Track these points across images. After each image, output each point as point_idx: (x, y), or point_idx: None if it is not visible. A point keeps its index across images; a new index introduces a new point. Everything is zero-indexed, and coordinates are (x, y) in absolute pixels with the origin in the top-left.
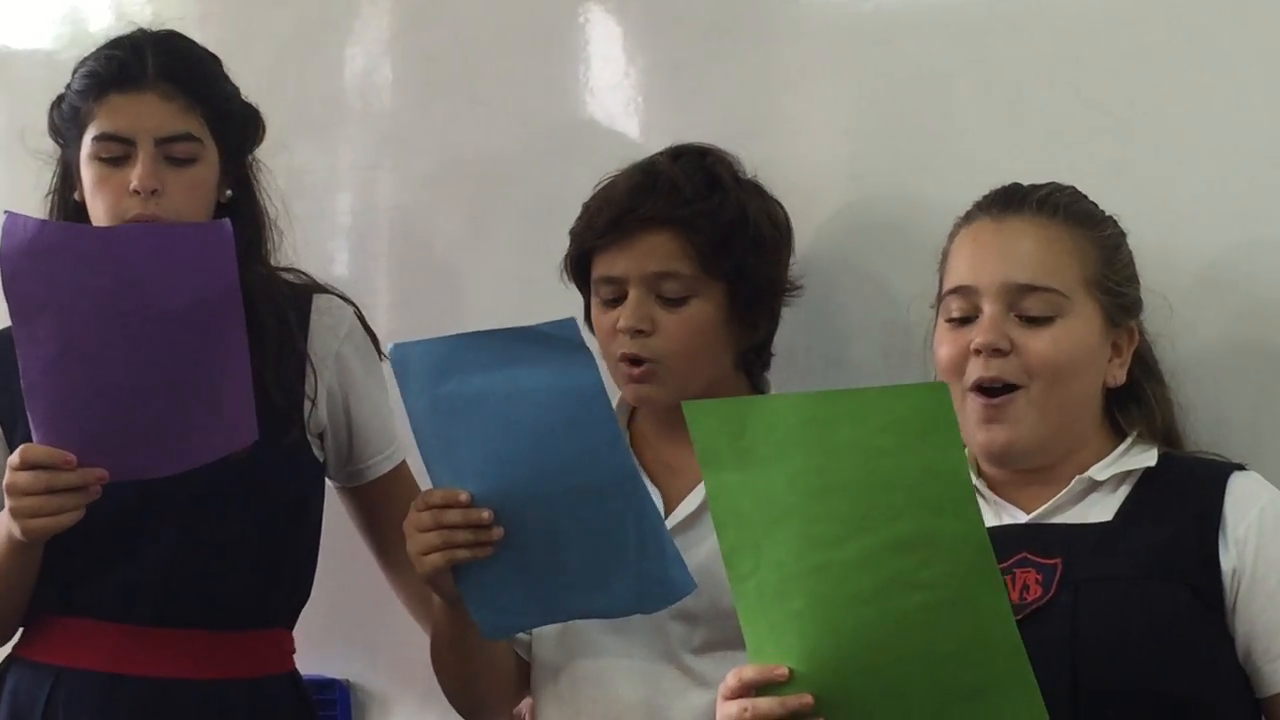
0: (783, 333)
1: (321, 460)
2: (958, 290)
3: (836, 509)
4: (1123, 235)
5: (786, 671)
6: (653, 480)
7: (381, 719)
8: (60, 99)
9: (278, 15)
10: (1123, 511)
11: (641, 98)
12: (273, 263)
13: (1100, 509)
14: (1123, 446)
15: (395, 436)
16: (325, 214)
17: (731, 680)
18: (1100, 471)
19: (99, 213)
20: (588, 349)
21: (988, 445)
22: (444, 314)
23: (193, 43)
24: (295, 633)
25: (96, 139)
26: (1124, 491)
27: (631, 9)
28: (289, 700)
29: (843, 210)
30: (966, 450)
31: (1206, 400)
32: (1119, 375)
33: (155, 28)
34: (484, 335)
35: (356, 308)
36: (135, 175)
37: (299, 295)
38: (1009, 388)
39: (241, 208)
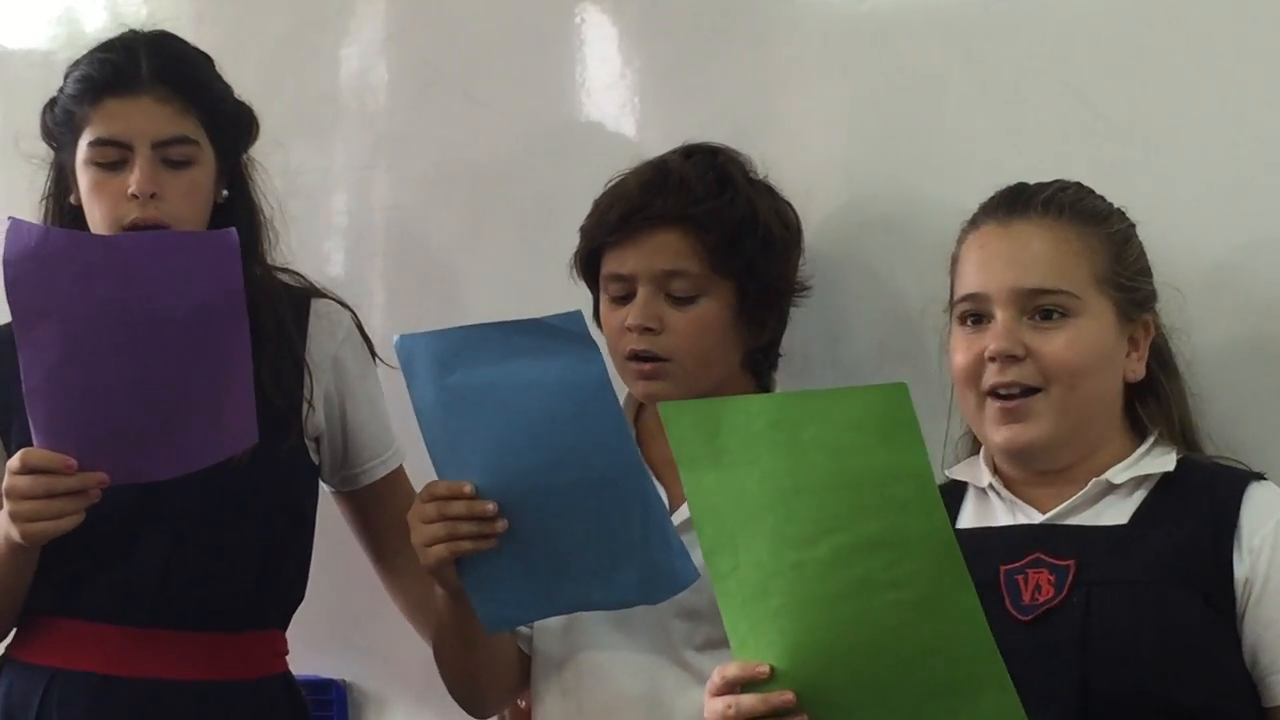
0: None
1: (317, 464)
2: (969, 298)
3: (807, 508)
4: (1132, 228)
5: (768, 669)
6: (658, 477)
7: (378, 719)
8: (53, 102)
9: (273, 15)
10: (1138, 515)
11: (638, 98)
12: (269, 262)
13: (1116, 511)
14: (1142, 449)
15: (392, 441)
16: (321, 214)
17: (716, 678)
18: (1118, 475)
19: (97, 217)
20: (594, 342)
21: (1008, 445)
22: (440, 314)
23: (185, 43)
24: (291, 634)
25: (93, 144)
26: (1140, 495)
27: (628, 9)
28: (282, 701)
29: (840, 210)
30: (983, 450)
31: (1220, 395)
32: (1138, 370)
33: (149, 28)
34: (490, 327)
35: (354, 313)
36: (133, 180)
37: (297, 298)
38: (1027, 391)
39: (237, 207)
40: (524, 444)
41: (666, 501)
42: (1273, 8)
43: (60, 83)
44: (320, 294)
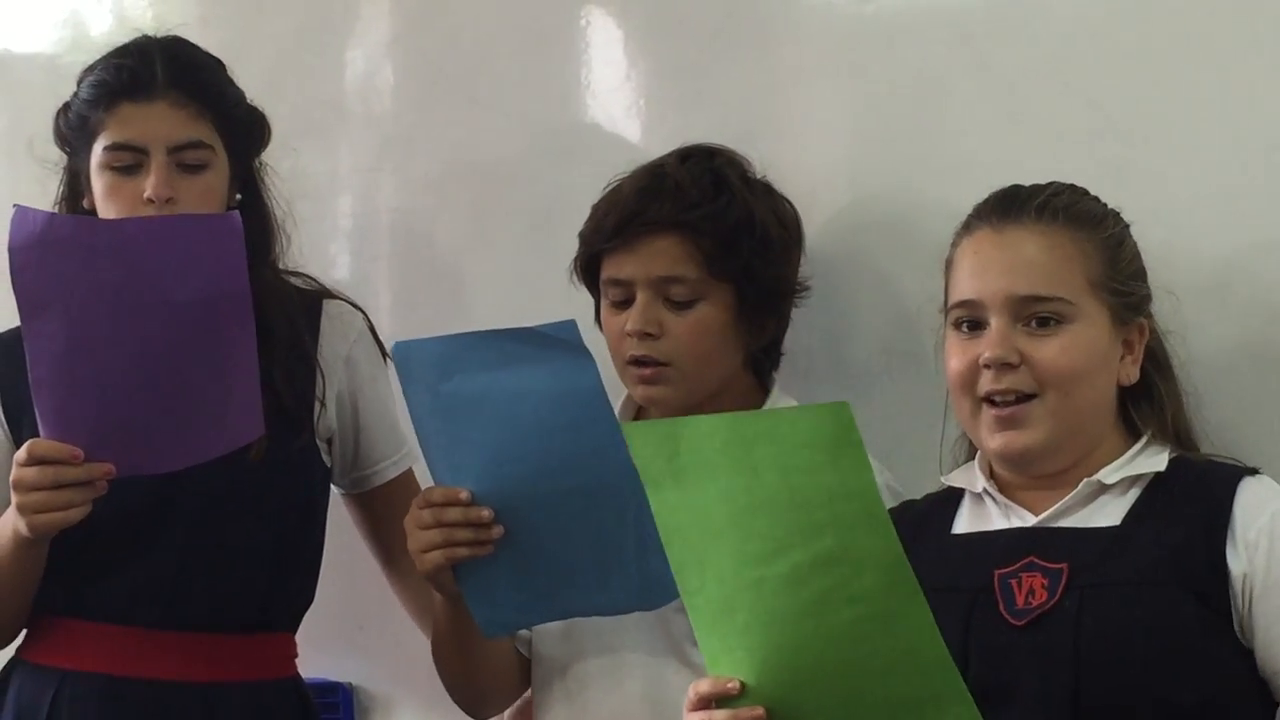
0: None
1: (329, 465)
2: (963, 304)
3: (764, 526)
4: (1126, 230)
5: (738, 685)
6: None
7: None
8: (66, 107)
9: (278, 18)
10: (1131, 515)
11: (643, 100)
12: (281, 266)
13: (1108, 512)
14: (1135, 449)
15: (404, 443)
16: (326, 217)
17: (691, 693)
18: (1109, 475)
19: None
20: (587, 351)
21: (1004, 451)
22: (445, 316)
23: (198, 48)
24: (299, 636)
25: (108, 149)
26: (1133, 495)
27: (633, 11)
28: (291, 703)
29: (843, 211)
30: (978, 454)
31: (1220, 397)
32: (1132, 373)
33: (157, 32)
34: (486, 335)
35: (365, 314)
36: (149, 184)
37: (308, 300)
38: (1022, 398)
39: (249, 211)
40: (519, 451)
41: None
42: (1273, 8)
43: (64, 86)
44: (332, 295)
